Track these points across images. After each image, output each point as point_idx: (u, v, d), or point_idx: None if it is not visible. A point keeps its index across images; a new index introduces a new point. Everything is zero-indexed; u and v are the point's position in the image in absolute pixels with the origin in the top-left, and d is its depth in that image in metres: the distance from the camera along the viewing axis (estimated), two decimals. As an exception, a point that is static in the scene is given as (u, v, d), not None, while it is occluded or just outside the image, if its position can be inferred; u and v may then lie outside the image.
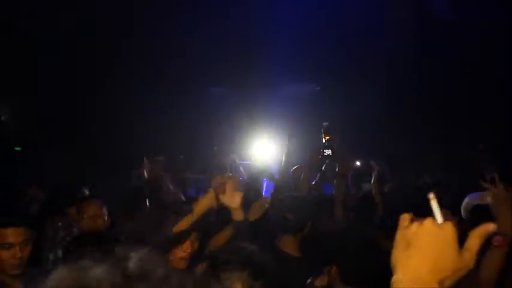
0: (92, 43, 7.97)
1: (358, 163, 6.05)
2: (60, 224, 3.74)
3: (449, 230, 1.04)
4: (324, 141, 4.34)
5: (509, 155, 6.59)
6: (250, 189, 6.24)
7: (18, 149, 8.59)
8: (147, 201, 4.28)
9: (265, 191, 6.88)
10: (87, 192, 4.51)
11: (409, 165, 6.88)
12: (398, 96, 8.67)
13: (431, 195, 1.08)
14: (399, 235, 1.09)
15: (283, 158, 5.04)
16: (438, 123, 8.35)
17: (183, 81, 9.16)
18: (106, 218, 3.54)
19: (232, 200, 2.63)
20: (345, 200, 4.26)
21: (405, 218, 1.09)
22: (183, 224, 2.66)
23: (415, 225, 1.07)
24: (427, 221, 1.06)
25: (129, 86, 8.90)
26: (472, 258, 1.04)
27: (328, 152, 4.45)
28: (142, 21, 7.99)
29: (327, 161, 4.69)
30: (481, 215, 3.02)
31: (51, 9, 7.20)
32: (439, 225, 1.05)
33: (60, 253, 3.23)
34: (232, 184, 2.64)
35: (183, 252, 2.69)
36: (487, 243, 2.33)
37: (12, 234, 2.48)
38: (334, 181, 4.52)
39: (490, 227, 1.06)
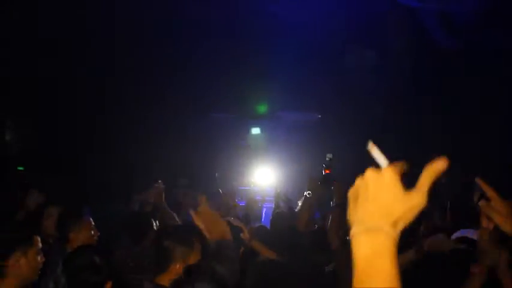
0: (93, 66, 8.08)
1: None
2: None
3: (389, 173, 1.05)
4: (323, 173, 4.30)
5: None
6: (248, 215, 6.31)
7: (21, 168, 8.62)
8: (154, 225, 4.34)
9: (264, 217, 6.92)
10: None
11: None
12: (399, 125, 8.74)
13: (370, 145, 1.11)
14: (348, 196, 1.11)
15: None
16: (439, 152, 8.34)
17: (185, 106, 9.25)
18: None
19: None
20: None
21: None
22: None
23: (358, 179, 1.09)
24: (367, 171, 1.07)
25: (131, 111, 8.98)
26: (422, 196, 1.03)
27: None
28: (143, 47, 8.10)
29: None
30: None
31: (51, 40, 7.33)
32: (378, 172, 1.06)
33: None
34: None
35: None
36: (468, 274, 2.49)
37: (39, 241, 2.81)
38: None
39: (440, 164, 1.05)
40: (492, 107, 7.73)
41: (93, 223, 3.77)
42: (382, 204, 1.03)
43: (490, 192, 1.94)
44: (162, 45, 8.19)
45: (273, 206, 6.52)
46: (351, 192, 1.09)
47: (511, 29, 6.79)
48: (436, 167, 1.05)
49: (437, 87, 8.17)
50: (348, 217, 1.08)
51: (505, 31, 6.84)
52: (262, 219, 6.85)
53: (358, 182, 1.08)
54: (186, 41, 8.08)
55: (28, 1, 7.10)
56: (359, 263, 1.02)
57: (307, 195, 4.48)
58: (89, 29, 7.52)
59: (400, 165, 1.06)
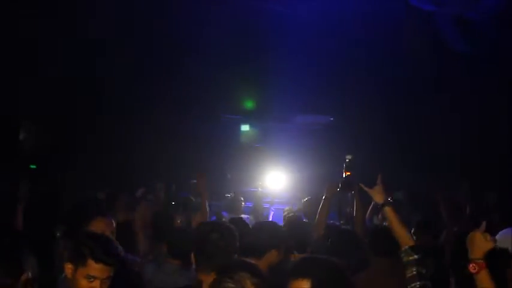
0: (109, 67, 8.12)
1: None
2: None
3: None
4: (343, 175, 4.12)
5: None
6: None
7: (34, 167, 8.67)
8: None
9: (272, 219, 6.89)
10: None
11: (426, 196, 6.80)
12: (413, 128, 8.67)
13: None
14: None
15: None
16: (455, 154, 8.27)
17: (196, 107, 9.27)
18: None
19: None
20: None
21: None
22: None
23: None
24: None
25: (143, 113, 9.01)
26: None
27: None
28: (154, 48, 8.12)
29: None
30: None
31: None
32: None
33: None
34: None
35: None
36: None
37: (100, 270, 2.56)
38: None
39: None
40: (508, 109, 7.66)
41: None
42: None
43: None
44: (174, 47, 8.22)
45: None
46: None
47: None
48: None
49: (452, 89, 8.10)
50: None
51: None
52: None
53: None
54: (200, 43, 8.10)
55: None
56: None
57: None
58: (103, 32, 7.57)
59: None
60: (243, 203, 6.93)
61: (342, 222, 5.46)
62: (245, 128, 9.68)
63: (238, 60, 8.29)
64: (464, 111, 8.20)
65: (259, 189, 7.39)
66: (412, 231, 4.58)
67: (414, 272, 2.75)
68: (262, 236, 3.28)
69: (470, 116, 8.19)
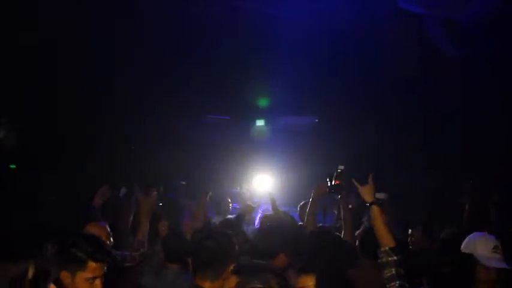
0: (90, 67, 8.04)
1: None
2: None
3: None
4: (333, 183, 4.18)
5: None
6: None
7: (13, 166, 8.54)
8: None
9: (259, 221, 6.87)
10: None
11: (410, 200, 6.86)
12: (399, 129, 8.73)
13: None
14: None
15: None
16: (441, 155, 8.35)
17: (182, 108, 9.22)
18: (111, 239, 3.45)
19: None
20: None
21: None
22: None
23: None
24: None
25: (127, 112, 8.94)
26: None
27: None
28: (141, 47, 8.06)
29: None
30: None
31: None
32: None
33: None
34: None
35: None
36: None
37: (99, 268, 2.58)
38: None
39: None
40: (496, 114, 7.75)
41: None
42: None
43: None
44: (161, 46, 8.17)
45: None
46: None
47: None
48: None
49: (439, 91, 8.17)
50: None
51: (508, 40, 6.85)
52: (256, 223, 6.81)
53: None
54: (182, 42, 8.07)
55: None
56: None
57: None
58: (86, 32, 7.50)
59: None
60: (230, 205, 6.90)
61: (323, 224, 5.50)
62: (260, 122, 9.67)
63: (226, 61, 8.27)
64: (451, 113, 8.29)
65: (245, 190, 7.37)
66: (410, 232, 4.69)
67: (393, 272, 2.83)
68: (272, 240, 3.30)
69: (457, 118, 8.28)
